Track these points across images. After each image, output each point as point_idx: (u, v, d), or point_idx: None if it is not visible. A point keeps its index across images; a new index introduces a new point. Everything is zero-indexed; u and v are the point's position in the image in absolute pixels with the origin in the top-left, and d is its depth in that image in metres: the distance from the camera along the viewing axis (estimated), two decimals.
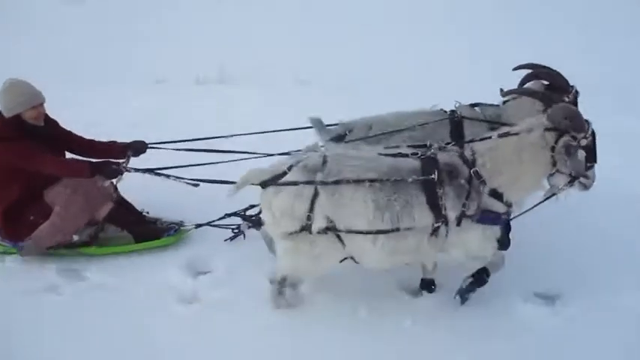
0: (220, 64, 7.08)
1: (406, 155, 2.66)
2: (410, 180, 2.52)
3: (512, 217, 2.80)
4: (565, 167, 2.53)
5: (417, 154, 2.66)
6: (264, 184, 2.65)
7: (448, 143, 2.80)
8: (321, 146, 2.91)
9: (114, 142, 3.55)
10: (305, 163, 2.61)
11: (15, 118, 3.14)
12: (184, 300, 3.04)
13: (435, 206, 2.54)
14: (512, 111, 3.06)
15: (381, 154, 2.67)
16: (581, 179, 2.62)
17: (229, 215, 3.38)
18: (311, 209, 2.56)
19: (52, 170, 3.23)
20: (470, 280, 2.86)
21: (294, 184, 2.57)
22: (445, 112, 3.16)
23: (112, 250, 3.45)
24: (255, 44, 8.41)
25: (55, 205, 3.25)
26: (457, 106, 3.17)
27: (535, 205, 2.86)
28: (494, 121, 3.06)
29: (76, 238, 3.32)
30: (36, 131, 3.23)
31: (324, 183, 2.54)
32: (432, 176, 2.53)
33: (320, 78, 6.91)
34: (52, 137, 3.34)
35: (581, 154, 2.52)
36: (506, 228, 2.87)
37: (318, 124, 3.32)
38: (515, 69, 3.24)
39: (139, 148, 3.52)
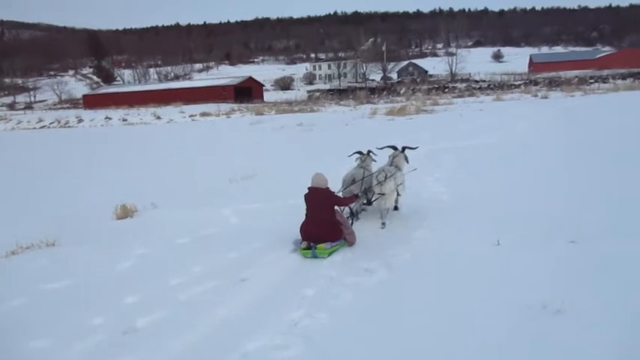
0: None
1: (390, 166, 8.84)
2: (397, 170, 8.77)
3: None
4: (406, 161, 9.51)
5: (391, 165, 8.90)
6: (383, 180, 8.14)
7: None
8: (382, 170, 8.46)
9: None
10: (391, 171, 8.33)
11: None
12: None
13: (400, 176, 8.88)
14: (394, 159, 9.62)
15: (389, 167, 8.74)
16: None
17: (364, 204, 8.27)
18: (395, 182, 8.33)
19: (346, 202, 7.22)
20: (395, 210, 9.21)
21: (392, 177, 8.27)
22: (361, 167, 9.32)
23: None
24: None
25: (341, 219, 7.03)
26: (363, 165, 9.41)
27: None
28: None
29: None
30: None
31: (395, 173, 8.39)
32: (396, 170, 8.86)
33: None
34: None
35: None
36: None
37: (344, 183, 8.67)
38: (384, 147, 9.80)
39: None
